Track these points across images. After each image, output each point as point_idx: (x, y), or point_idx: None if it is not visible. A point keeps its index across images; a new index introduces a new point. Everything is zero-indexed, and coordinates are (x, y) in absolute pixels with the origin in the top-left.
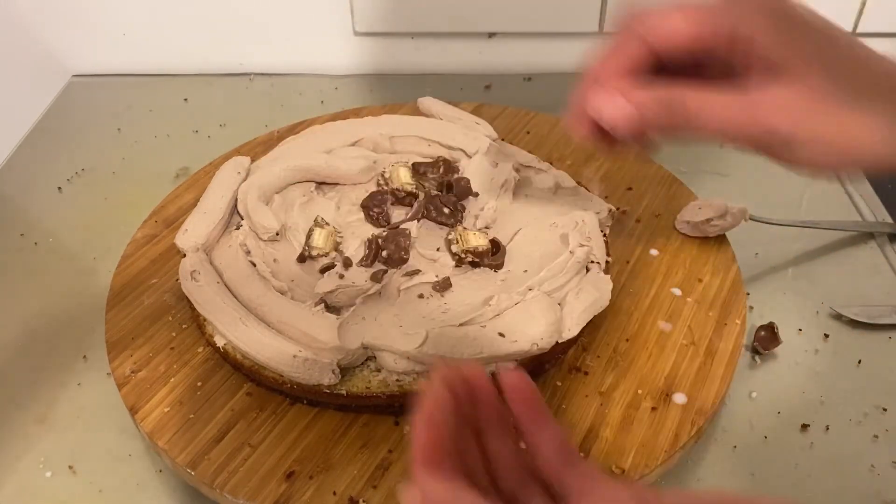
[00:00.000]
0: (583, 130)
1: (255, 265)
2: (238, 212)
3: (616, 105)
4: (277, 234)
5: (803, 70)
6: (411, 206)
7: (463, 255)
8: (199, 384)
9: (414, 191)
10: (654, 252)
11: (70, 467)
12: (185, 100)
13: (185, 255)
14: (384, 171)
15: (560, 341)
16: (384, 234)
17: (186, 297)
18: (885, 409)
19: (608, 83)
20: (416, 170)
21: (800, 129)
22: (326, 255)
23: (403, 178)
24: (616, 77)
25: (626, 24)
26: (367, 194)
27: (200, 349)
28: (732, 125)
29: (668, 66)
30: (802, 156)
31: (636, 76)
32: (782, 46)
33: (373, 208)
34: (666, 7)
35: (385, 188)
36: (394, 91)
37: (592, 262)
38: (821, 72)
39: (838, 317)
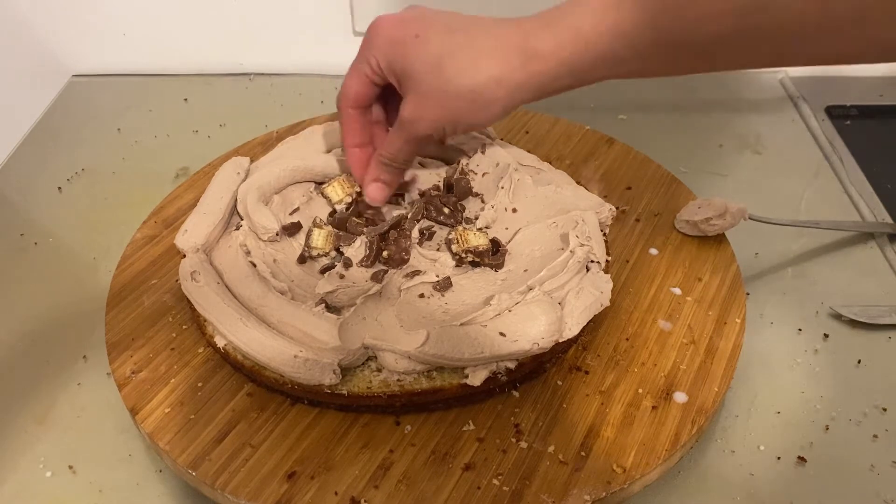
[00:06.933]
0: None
1: (255, 265)
2: (238, 212)
3: (376, 190)
4: (277, 235)
5: (416, 77)
6: (411, 204)
7: (463, 255)
8: (200, 385)
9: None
10: (653, 251)
11: (70, 467)
12: (185, 100)
13: (184, 256)
14: None
15: (560, 341)
16: (384, 234)
17: (186, 298)
18: (884, 409)
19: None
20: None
21: (425, 121)
22: (326, 255)
23: None
24: (355, 144)
25: (338, 104)
26: None
27: (201, 350)
28: (407, 145)
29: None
30: (461, 128)
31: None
32: (396, 64)
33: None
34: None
35: None
36: None
37: (592, 261)
38: (431, 70)
39: (838, 317)
